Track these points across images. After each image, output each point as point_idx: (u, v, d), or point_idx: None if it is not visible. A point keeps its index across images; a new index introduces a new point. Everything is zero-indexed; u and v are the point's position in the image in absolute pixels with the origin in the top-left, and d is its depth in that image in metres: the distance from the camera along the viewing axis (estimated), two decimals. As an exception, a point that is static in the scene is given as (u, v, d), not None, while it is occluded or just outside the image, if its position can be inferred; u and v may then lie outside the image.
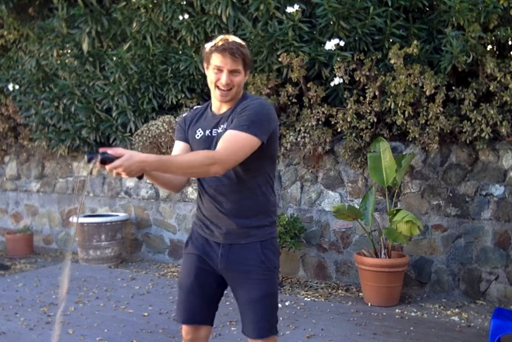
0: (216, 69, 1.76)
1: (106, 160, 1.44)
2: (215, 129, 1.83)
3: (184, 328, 1.95)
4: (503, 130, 3.66)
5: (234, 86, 1.77)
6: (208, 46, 1.83)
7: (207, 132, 1.85)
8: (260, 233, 1.84)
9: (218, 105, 1.86)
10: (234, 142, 1.68)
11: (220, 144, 1.68)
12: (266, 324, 1.83)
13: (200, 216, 1.94)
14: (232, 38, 1.82)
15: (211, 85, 1.81)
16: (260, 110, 1.76)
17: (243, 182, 1.81)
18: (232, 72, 1.76)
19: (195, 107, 1.99)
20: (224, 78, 1.75)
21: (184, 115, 2.02)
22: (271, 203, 1.88)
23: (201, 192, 1.92)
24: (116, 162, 1.44)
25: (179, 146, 1.94)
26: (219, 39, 1.82)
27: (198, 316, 1.93)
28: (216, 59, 1.76)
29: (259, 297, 1.81)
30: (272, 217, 1.89)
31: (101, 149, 1.46)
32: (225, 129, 1.77)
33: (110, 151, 1.44)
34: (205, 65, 1.85)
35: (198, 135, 1.87)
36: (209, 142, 1.82)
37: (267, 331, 1.83)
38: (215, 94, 1.81)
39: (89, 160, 1.44)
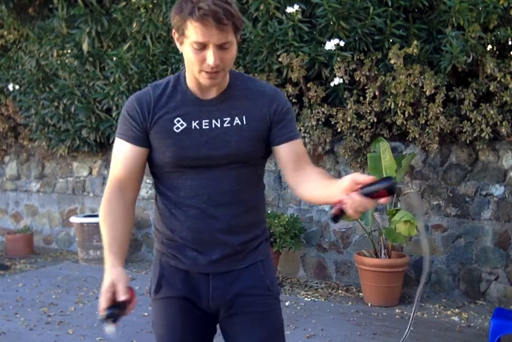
0: (197, 45, 1.20)
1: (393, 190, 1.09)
2: (211, 121, 1.34)
3: None
4: (503, 130, 3.66)
5: (224, 63, 1.24)
6: (177, 8, 1.22)
7: (195, 123, 1.33)
8: (259, 250, 1.44)
9: (201, 87, 1.34)
10: (306, 150, 1.44)
11: (304, 159, 1.38)
12: None
13: (172, 241, 1.41)
14: None
15: (190, 65, 1.26)
16: (289, 104, 1.44)
17: (251, 187, 1.41)
18: (221, 47, 1.21)
19: (153, 84, 1.41)
20: (211, 58, 1.20)
21: (134, 97, 1.38)
22: (264, 209, 1.51)
23: (172, 206, 1.38)
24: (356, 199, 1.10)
25: (129, 154, 1.34)
26: None
27: None
28: (195, 32, 1.19)
29: (270, 336, 1.43)
30: (265, 226, 1.51)
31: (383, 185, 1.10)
32: (235, 125, 1.34)
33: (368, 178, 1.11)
34: (174, 35, 1.27)
35: (177, 127, 1.32)
36: (206, 138, 1.33)
37: None
38: (197, 76, 1.27)
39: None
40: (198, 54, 1.22)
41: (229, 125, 1.34)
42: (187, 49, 1.24)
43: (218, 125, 1.34)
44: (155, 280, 1.44)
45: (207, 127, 1.34)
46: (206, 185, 1.34)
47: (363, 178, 1.08)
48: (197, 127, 1.34)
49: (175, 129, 1.33)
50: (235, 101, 1.37)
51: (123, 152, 1.35)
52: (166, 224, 1.41)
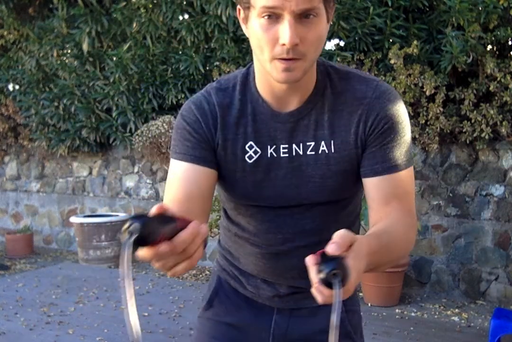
0: (266, 14, 0.84)
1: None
2: (291, 146, 0.98)
3: None
4: (503, 130, 3.66)
5: (306, 46, 0.86)
6: None
7: (271, 150, 0.98)
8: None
9: (278, 91, 0.96)
10: (412, 190, 1.01)
11: (399, 199, 0.95)
12: None
13: (237, 264, 1.16)
14: None
15: (260, 53, 0.89)
16: (406, 112, 1.00)
17: (341, 223, 1.04)
18: (301, 18, 0.84)
19: (215, 86, 1.02)
20: (285, 32, 0.83)
21: (194, 105, 1.00)
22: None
23: (236, 237, 1.12)
24: (353, 277, 0.66)
25: (190, 174, 0.97)
26: None
27: None
28: None
29: None
30: None
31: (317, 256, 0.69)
32: (321, 154, 0.98)
33: (335, 249, 0.67)
34: (239, 14, 0.92)
35: (250, 156, 0.99)
36: (284, 171, 0.99)
37: None
38: (269, 68, 0.89)
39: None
40: (269, 30, 0.85)
41: (313, 153, 0.98)
42: (254, 27, 0.87)
43: (300, 152, 0.98)
44: (207, 296, 1.19)
45: (286, 155, 0.98)
46: (282, 223, 1.04)
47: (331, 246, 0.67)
48: (274, 155, 0.98)
49: (247, 159, 0.98)
50: (324, 115, 0.97)
51: (183, 174, 0.97)
52: (228, 244, 1.16)
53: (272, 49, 0.86)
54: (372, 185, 0.97)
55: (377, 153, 0.96)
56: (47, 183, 6.09)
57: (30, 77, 5.49)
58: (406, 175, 0.97)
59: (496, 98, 3.70)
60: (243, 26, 0.93)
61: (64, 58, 5.43)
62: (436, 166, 4.05)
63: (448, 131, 3.80)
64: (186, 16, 4.61)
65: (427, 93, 3.72)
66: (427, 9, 4.17)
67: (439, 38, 3.94)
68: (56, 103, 5.35)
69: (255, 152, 0.98)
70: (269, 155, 0.98)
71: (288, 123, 0.97)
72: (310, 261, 0.67)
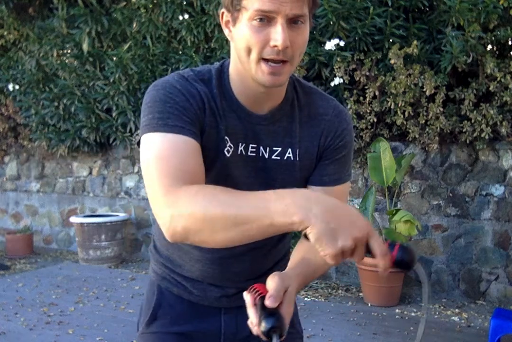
0: (258, 18, 0.86)
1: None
2: (258, 147, 1.00)
3: None
4: (503, 130, 3.66)
5: (294, 50, 0.89)
6: None
7: (241, 147, 0.99)
8: None
9: (253, 94, 0.97)
10: (345, 201, 1.10)
11: None
12: None
13: (179, 271, 1.13)
14: None
15: (246, 55, 0.89)
16: (353, 135, 1.09)
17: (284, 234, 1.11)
18: (292, 23, 0.87)
19: (193, 74, 0.98)
20: (279, 35, 0.85)
21: (178, 84, 0.94)
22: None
23: (191, 246, 1.07)
24: (286, 322, 0.78)
25: (188, 147, 0.89)
26: None
27: None
28: None
29: None
30: (289, 246, 1.22)
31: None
32: (286, 160, 1.01)
33: (274, 302, 0.79)
34: (222, 17, 0.94)
35: (228, 150, 0.98)
36: (249, 169, 1.01)
37: None
38: (253, 70, 0.90)
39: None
40: (260, 32, 0.86)
41: (278, 158, 1.01)
42: (242, 29, 0.88)
43: (266, 155, 1.00)
44: (149, 310, 1.14)
45: (253, 154, 0.99)
46: None
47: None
48: (243, 152, 0.99)
49: (225, 152, 0.97)
50: (293, 123, 1.01)
51: (182, 144, 0.88)
52: (169, 251, 1.13)
53: (261, 50, 0.87)
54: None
55: (328, 167, 1.03)
56: (47, 183, 6.09)
57: (30, 77, 5.49)
58: (345, 188, 1.06)
59: (496, 98, 3.70)
60: (225, 30, 0.94)
61: (64, 58, 5.43)
62: (436, 167, 4.05)
63: (448, 131, 3.80)
64: (186, 16, 4.61)
65: (427, 93, 3.72)
66: (427, 9, 4.17)
67: (439, 38, 3.94)
68: (56, 103, 5.35)
69: (230, 147, 0.98)
70: (239, 152, 0.99)
71: (259, 125, 0.99)
72: (248, 299, 0.79)
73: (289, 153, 1.01)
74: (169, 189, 0.82)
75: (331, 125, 1.02)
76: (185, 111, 0.91)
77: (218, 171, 0.98)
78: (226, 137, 0.97)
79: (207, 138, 0.95)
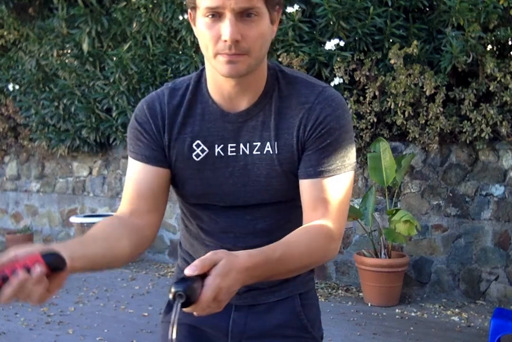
0: (210, 14, 0.90)
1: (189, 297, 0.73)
2: (238, 145, 1.02)
3: None
4: (503, 130, 3.66)
5: (249, 43, 0.90)
6: None
7: (218, 149, 1.02)
8: (299, 280, 1.13)
9: (227, 92, 0.99)
10: (344, 196, 1.01)
11: (326, 204, 0.98)
12: None
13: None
14: None
15: (206, 51, 0.94)
16: (348, 118, 1.02)
17: (289, 222, 1.08)
18: (242, 16, 0.89)
19: (170, 86, 1.05)
20: (226, 29, 0.88)
21: (146, 104, 1.04)
22: None
23: (193, 238, 1.15)
24: (206, 295, 0.73)
25: (142, 176, 1.03)
26: None
27: None
28: None
29: None
30: None
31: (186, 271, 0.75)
32: (266, 154, 1.01)
33: (192, 270, 0.74)
34: (190, 16, 0.97)
35: (197, 154, 1.02)
36: (231, 170, 1.02)
37: None
38: (214, 64, 0.94)
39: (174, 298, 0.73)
40: (212, 28, 0.90)
41: (258, 153, 1.01)
42: (199, 27, 0.92)
43: (247, 151, 1.01)
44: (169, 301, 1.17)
45: (233, 154, 1.01)
46: (233, 223, 1.06)
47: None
48: (221, 153, 1.01)
49: (194, 157, 1.02)
50: (271, 117, 1.01)
51: (136, 174, 1.04)
52: (189, 250, 1.18)
53: (215, 45, 0.90)
54: (303, 187, 1.00)
55: (312, 157, 0.99)
56: (47, 183, 6.09)
57: (30, 77, 5.49)
58: (339, 180, 0.99)
59: (496, 98, 3.70)
60: (193, 27, 0.97)
61: (64, 58, 5.43)
62: (436, 166, 4.05)
63: (448, 131, 3.80)
64: (186, 16, 4.61)
65: (427, 93, 3.72)
66: (427, 9, 4.17)
67: (439, 38, 3.94)
68: (56, 103, 5.35)
69: (202, 150, 1.01)
70: (216, 154, 1.01)
71: (237, 123, 1.01)
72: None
73: (268, 147, 1.01)
74: (119, 208, 1.04)
75: (311, 113, 0.99)
76: (143, 135, 1.03)
77: (193, 176, 1.03)
78: (198, 142, 1.01)
79: (178, 147, 1.02)
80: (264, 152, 1.01)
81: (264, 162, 1.01)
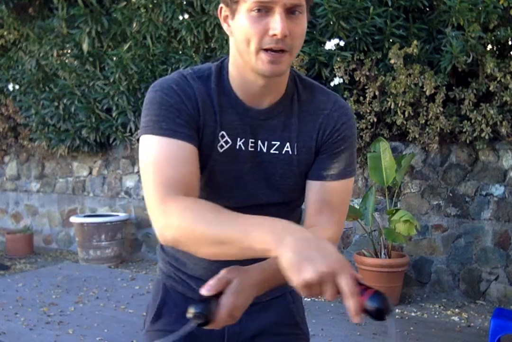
0: (257, 8, 0.87)
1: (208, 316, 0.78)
2: (257, 142, 1.01)
3: None
4: (503, 130, 3.66)
5: (293, 40, 0.90)
6: None
7: (240, 142, 1.00)
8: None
9: (253, 89, 0.98)
10: (347, 200, 1.07)
11: (331, 207, 1.01)
12: None
13: (184, 270, 1.14)
14: None
15: (245, 46, 0.90)
16: (355, 134, 1.08)
17: (289, 220, 0.99)
18: (290, 13, 0.89)
19: (192, 72, 1.01)
20: (277, 23, 0.87)
21: (175, 84, 0.97)
22: None
23: None
24: (223, 314, 0.78)
25: (181, 153, 0.92)
26: None
27: None
28: None
29: None
30: None
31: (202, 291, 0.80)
32: (284, 154, 1.02)
33: (208, 290, 0.79)
34: (221, 12, 0.96)
35: (221, 145, 0.99)
36: (249, 165, 1.01)
37: None
38: (253, 61, 0.91)
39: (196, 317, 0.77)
40: (259, 22, 0.87)
41: (277, 152, 1.02)
42: (241, 21, 0.89)
43: (264, 149, 1.01)
44: (154, 308, 1.15)
45: (252, 149, 1.00)
46: None
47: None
48: (242, 147, 1.00)
49: (218, 148, 0.98)
50: (292, 118, 1.02)
51: (176, 151, 0.92)
52: (174, 249, 1.14)
53: (260, 40, 0.88)
54: (311, 188, 1.03)
55: (326, 160, 1.03)
56: (47, 183, 6.09)
57: (30, 77, 5.49)
58: (344, 185, 1.04)
59: (496, 98, 3.70)
60: (224, 25, 0.96)
61: (64, 58, 5.44)
62: (436, 166, 4.05)
63: (448, 131, 3.80)
64: (186, 16, 4.61)
65: (427, 93, 3.72)
66: (427, 9, 4.17)
67: (439, 38, 3.94)
68: (56, 103, 5.35)
69: (226, 142, 0.99)
70: (237, 147, 1.00)
71: (258, 120, 1.00)
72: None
73: (287, 148, 1.02)
74: (162, 198, 0.88)
75: (330, 119, 1.02)
76: (180, 113, 0.94)
77: (212, 167, 1.00)
78: (223, 133, 0.99)
79: (204, 135, 0.98)
80: (283, 152, 1.02)
81: (282, 162, 1.02)
